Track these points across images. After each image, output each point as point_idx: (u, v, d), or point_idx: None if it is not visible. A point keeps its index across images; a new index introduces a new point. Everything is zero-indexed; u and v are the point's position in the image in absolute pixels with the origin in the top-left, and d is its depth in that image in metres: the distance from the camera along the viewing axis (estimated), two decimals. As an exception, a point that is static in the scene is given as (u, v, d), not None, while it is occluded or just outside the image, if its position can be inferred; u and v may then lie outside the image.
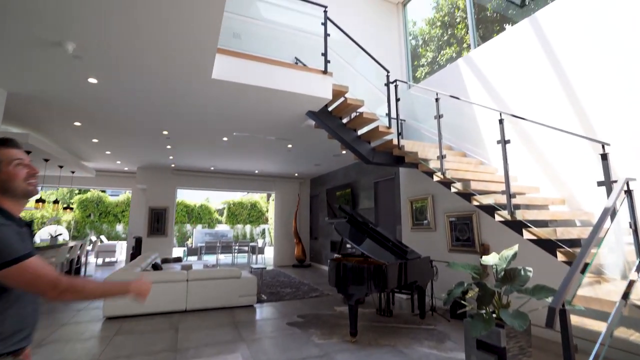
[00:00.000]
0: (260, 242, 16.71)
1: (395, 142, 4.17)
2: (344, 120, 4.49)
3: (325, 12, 4.10)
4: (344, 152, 6.88)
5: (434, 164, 3.60)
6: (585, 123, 3.22)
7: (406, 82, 4.64)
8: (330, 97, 3.95)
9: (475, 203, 3.08)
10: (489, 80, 4.31)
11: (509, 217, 2.76)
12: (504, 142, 2.83)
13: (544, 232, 2.56)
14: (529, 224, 2.67)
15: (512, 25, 4.25)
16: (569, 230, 2.62)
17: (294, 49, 4.60)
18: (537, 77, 3.75)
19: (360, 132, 4.51)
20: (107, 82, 3.52)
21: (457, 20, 6.40)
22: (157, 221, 8.85)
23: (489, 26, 5.61)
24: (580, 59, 3.36)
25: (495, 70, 4.28)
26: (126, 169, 9.18)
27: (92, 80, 3.48)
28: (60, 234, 8.98)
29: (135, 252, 8.82)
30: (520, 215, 2.71)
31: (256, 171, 9.54)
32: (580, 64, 3.35)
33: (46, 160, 6.33)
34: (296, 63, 4.32)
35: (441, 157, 3.38)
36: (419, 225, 5.26)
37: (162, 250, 8.62)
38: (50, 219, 14.00)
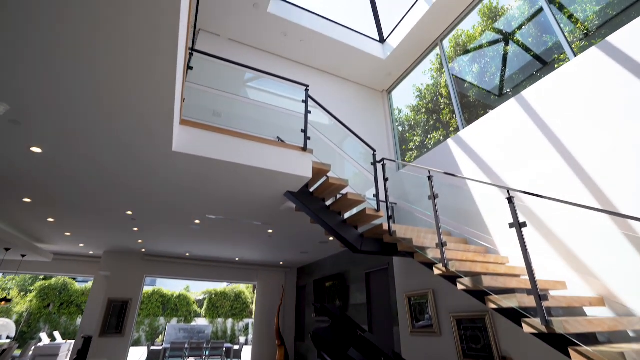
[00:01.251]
0: (242, 340, 14.57)
1: (385, 227, 3.60)
2: (327, 203, 3.99)
3: (306, 90, 3.97)
4: (331, 238, 6.24)
5: (432, 254, 2.97)
6: (602, 198, 2.74)
7: (394, 161, 4.28)
8: (309, 175, 3.52)
9: (493, 306, 2.35)
10: (482, 157, 3.99)
11: (543, 329, 2.02)
12: (518, 225, 2.26)
13: (602, 356, 1.80)
14: (575, 340, 1.92)
15: (491, 110, 4.17)
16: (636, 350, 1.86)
17: (277, 130, 4.37)
18: (534, 151, 3.42)
19: (345, 215, 3.98)
20: (53, 151, 3.08)
21: (442, 106, 6.52)
22: (116, 316, 7.55)
23: (472, 110, 5.64)
24: (576, 127, 3.07)
25: (487, 147, 4.00)
26: (91, 252, 8.26)
27: (36, 150, 3.04)
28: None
29: (79, 357, 7.28)
30: (560, 325, 1.97)
31: (236, 259, 8.66)
32: (577, 132, 3.04)
33: (-11, 243, 5.55)
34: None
35: (441, 245, 2.77)
36: (420, 330, 4.31)
37: (115, 355, 7.14)
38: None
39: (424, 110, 6.94)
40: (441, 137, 6.25)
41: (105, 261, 7.90)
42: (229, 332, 16.44)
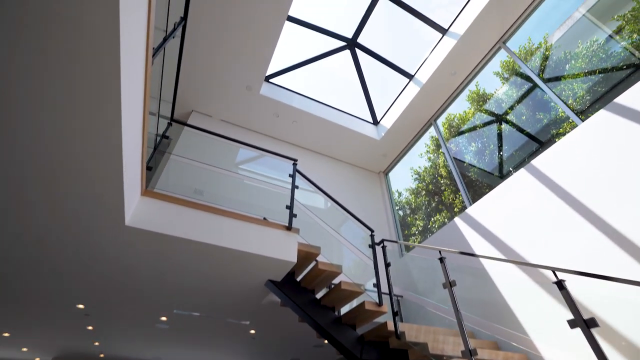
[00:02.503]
0: None
1: (390, 326, 2.81)
2: (318, 295, 3.27)
3: (294, 164, 3.63)
4: (326, 341, 5.18)
5: (459, 370, 2.16)
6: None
7: (396, 242, 3.69)
8: (294, 260, 2.89)
9: None
10: (497, 233, 3.41)
11: None
12: (584, 323, 1.56)
13: None
14: None
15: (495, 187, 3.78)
16: None
17: (265, 212, 3.89)
18: (557, 221, 2.85)
19: (341, 311, 3.22)
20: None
21: (443, 187, 6.19)
22: None
23: (476, 189, 5.28)
24: (601, 189, 2.57)
25: (501, 222, 3.46)
26: (37, 359, 6.88)
27: (-41, 229, 2.50)
28: None
29: None
30: None
31: (215, 365, 7.22)
32: (602, 195, 2.52)
33: None
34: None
35: (469, 354, 1.98)
36: None
37: None
38: None
39: (424, 192, 6.61)
40: (445, 220, 5.75)
41: (54, 370, 6.53)
42: None
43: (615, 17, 3.96)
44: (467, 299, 3.25)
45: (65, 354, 6.42)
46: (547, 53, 4.59)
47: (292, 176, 3.52)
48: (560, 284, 1.70)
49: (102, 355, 6.43)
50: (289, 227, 3.05)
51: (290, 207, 3.21)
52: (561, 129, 4.07)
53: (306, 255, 3.07)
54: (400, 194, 6.86)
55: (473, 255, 2.59)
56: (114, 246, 2.69)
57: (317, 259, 3.12)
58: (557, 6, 4.36)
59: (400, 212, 6.64)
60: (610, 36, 3.96)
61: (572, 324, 1.59)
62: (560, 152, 3.20)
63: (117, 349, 6.00)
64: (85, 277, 3.28)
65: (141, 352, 6.18)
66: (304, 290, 3.21)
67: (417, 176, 6.70)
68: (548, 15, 4.51)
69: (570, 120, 3.78)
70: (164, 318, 4.30)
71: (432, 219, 6.30)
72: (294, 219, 3.17)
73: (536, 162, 3.39)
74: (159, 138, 3.05)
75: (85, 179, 2.03)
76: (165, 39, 2.26)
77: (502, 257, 3.19)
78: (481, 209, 3.84)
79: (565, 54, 4.38)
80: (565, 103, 3.62)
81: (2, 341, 5.54)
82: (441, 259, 2.48)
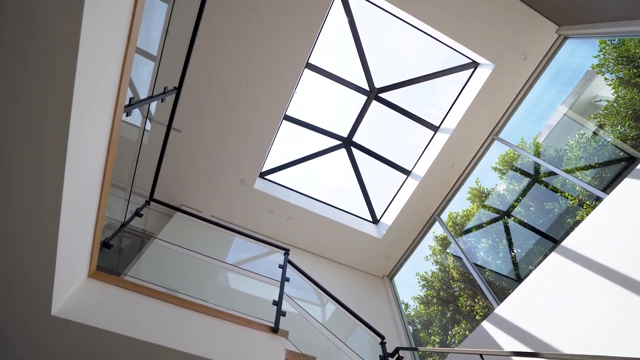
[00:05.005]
0: None
1: None
2: None
3: (285, 254, 3.13)
4: None
5: None
6: None
7: (414, 349, 2.86)
8: (281, 373, 2.11)
9: None
10: (541, 336, 2.61)
11: None
12: None
13: None
14: None
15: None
16: None
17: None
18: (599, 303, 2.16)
19: None
20: None
21: (457, 292, 5.42)
22: None
23: (498, 292, 4.55)
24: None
25: (540, 316, 2.71)
26: None
27: None
28: None
29: None
30: None
31: None
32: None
33: None
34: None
35: None
36: None
37: None
38: None
39: (435, 301, 5.78)
40: (467, 332, 4.80)
41: None
42: None
43: (592, 116, 4.15)
44: None
45: None
46: (539, 150, 4.66)
47: (283, 267, 2.97)
48: None
49: None
50: (275, 329, 2.34)
51: (278, 303, 2.56)
52: (578, 216, 3.74)
53: (297, 369, 2.27)
54: (407, 306, 5.98)
55: (536, 355, 1.85)
56: (36, 345, 1.96)
57: (313, 374, 2.30)
58: (539, 100, 4.64)
59: (410, 328, 5.63)
60: (595, 132, 4.06)
61: None
62: (590, 228, 2.79)
63: None
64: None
65: None
66: None
67: (425, 282, 5.97)
68: (533, 109, 4.77)
69: (588, 204, 3.49)
70: None
71: (450, 332, 5.30)
72: (282, 318, 2.49)
73: (568, 242, 2.93)
74: (129, 215, 2.65)
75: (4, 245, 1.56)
76: (151, 97, 2.13)
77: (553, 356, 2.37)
78: (512, 308, 3.14)
79: (557, 150, 4.43)
80: (578, 182, 3.38)
81: None
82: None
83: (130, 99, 1.86)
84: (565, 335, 2.54)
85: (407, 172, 5.61)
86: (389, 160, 5.67)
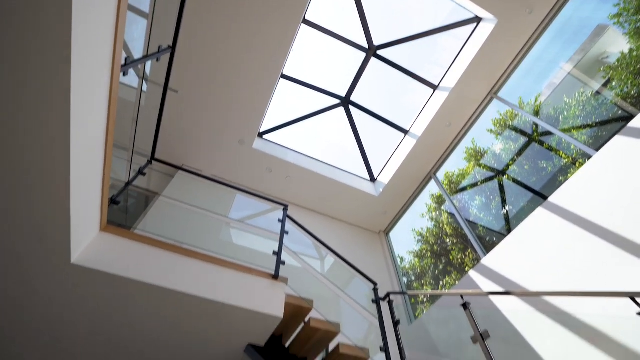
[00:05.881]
0: None
1: (405, 406, 2.13)
2: (312, 365, 2.60)
3: (284, 209, 3.28)
4: None
5: None
6: None
7: (404, 293, 3.12)
8: (281, 314, 2.34)
9: None
10: (519, 280, 2.86)
11: None
12: None
13: None
14: None
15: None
16: None
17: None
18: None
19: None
20: None
21: (450, 247, 5.70)
22: None
23: (488, 248, 4.81)
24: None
25: (523, 266, 2.93)
26: None
27: None
28: None
29: None
30: None
31: None
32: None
33: None
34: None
35: None
36: None
37: None
38: None
39: (429, 254, 6.08)
40: (456, 281, 5.14)
41: None
42: None
43: (602, 68, 4.07)
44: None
45: None
46: (537, 109, 4.64)
47: (282, 221, 3.14)
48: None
49: None
50: (275, 276, 2.56)
51: (278, 253, 2.76)
52: (570, 174, 3.85)
53: (296, 312, 2.51)
54: (402, 259, 6.31)
55: (506, 294, 2.07)
56: (61, 292, 2.18)
57: (310, 315, 2.55)
58: (541, 57, 4.53)
59: (405, 279, 6.00)
60: (598, 92, 4.02)
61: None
62: (579, 184, 2.91)
63: None
64: (25, 331, 2.63)
65: None
66: (293, 359, 2.55)
67: (420, 238, 6.25)
68: (533, 68, 4.68)
69: (581, 162, 3.58)
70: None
71: (442, 282, 5.67)
72: (283, 270, 2.69)
73: (554, 198, 3.07)
74: (133, 174, 2.76)
75: (25, 199, 1.68)
76: (146, 56, 2.14)
77: (534, 309, 2.62)
78: (498, 258, 3.37)
79: (556, 109, 4.41)
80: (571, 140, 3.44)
81: None
82: (464, 305, 1.96)
83: (126, 58, 1.88)
84: (542, 281, 2.77)
85: (404, 131, 5.64)
86: (386, 120, 5.66)
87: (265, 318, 2.33)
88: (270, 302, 2.37)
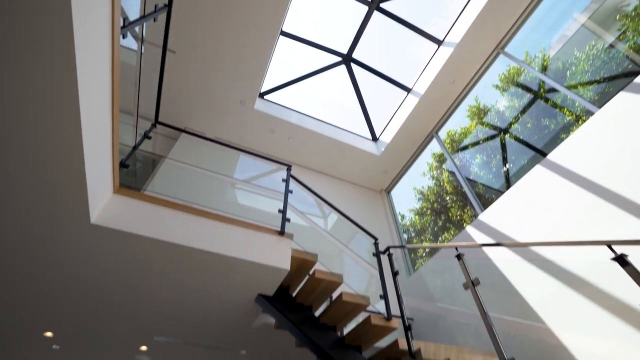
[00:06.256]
0: None
1: (402, 344, 2.37)
2: (317, 313, 2.85)
3: (288, 169, 3.37)
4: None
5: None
6: None
7: (402, 246, 3.30)
8: (287, 267, 2.53)
9: None
10: (513, 235, 3.02)
11: None
12: None
13: None
14: None
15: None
16: None
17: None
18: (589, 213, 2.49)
19: (343, 330, 2.78)
20: None
21: (449, 205, 5.86)
22: None
23: (486, 204, 4.96)
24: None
25: (518, 223, 3.08)
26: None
27: None
28: None
29: None
30: None
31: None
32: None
33: None
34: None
35: None
36: None
37: None
38: None
39: (429, 212, 6.26)
40: (454, 237, 5.36)
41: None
42: None
43: (617, 17, 3.88)
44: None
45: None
46: (545, 64, 4.50)
47: (286, 181, 3.24)
48: (622, 259, 1.35)
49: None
50: (281, 232, 2.71)
51: (283, 211, 2.89)
52: (572, 132, 3.85)
53: (301, 264, 2.70)
54: (403, 217, 6.51)
55: (497, 245, 2.23)
56: (80, 251, 2.35)
57: (315, 268, 2.74)
58: (552, 8, 4.32)
59: (405, 236, 6.25)
60: (611, 45, 3.86)
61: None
62: (578, 142, 2.94)
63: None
64: (49, 293, 2.88)
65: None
66: (300, 307, 2.80)
67: (420, 196, 6.39)
68: (542, 20, 4.47)
69: (584, 119, 3.57)
70: (144, 348, 3.80)
71: (440, 237, 5.90)
72: (288, 227, 2.84)
73: (552, 156, 3.12)
74: (139, 138, 2.82)
75: (43, 165, 1.76)
76: (143, 16, 2.10)
77: (522, 259, 2.80)
78: (495, 214, 3.51)
79: (564, 63, 4.28)
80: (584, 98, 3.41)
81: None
82: (459, 256, 2.12)
83: (124, 19, 1.86)
84: (534, 236, 2.92)
85: (407, 89, 5.54)
86: (389, 77, 5.55)
87: (273, 270, 2.52)
88: (277, 256, 2.55)
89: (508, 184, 4.65)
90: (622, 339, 1.98)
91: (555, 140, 4.14)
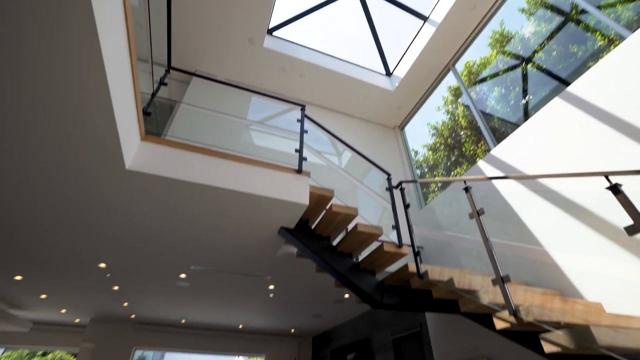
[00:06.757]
0: None
1: (412, 267, 2.66)
2: (334, 242, 3.14)
3: (302, 109, 3.41)
4: (347, 295, 5.17)
5: (488, 297, 1.98)
6: None
7: (414, 181, 3.46)
8: (306, 202, 2.75)
9: None
10: (525, 169, 3.12)
11: None
12: None
13: None
14: None
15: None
16: None
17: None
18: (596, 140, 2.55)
19: (358, 257, 3.09)
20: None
21: (463, 139, 5.84)
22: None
23: (501, 139, 4.93)
24: None
25: (530, 158, 3.14)
26: (77, 320, 7.27)
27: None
28: None
29: None
30: None
31: (240, 326, 7.45)
32: None
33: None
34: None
35: (501, 281, 1.78)
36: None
37: None
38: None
39: (442, 147, 6.27)
40: (466, 171, 5.47)
41: (89, 330, 6.89)
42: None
43: None
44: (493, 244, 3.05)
45: (101, 316, 6.75)
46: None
47: (301, 121, 3.32)
48: (615, 188, 1.46)
49: (132, 316, 6.73)
50: (299, 170, 2.89)
51: (299, 150, 3.03)
52: (600, 59, 3.63)
53: (319, 199, 2.92)
54: (417, 153, 6.56)
55: (505, 177, 2.35)
56: (119, 195, 2.61)
57: (331, 202, 2.96)
58: None
59: (418, 171, 6.37)
60: None
61: (632, 230, 1.36)
62: (603, 70, 2.82)
63: (145, 309, 6.24)
64: (99, 234, 3.27)
65: (167, 312, 6.41)
66: (319, 237, 3.09)
67: (434, 131, 6.35)
68: None
69: (616, 43, 3.34)
70: (183, 275, 4.35)
71: (453, 172, 6.01)
72: (304, 166, 3.00)
73: (574, 87, 3.03)
74: (156, 85, 2.88)
75: (78, 121, 1.90)
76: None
77: (529, 190, 2.93)
78: (507, 149, 3.54)
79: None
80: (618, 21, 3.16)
81: (42, 303, 5.83)
82: (466, 189, 2.26)
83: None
84: (547, 168, 2.99)
85: (423, 18, 5.18)
86: (404, 5, 5.15)
87: (292, 206, 2.75)
88: (296, 192, 2.76)
89: (526, 117, 4.55)
90: (608, 255, 2.18)
91: (582, 68, 3.93)
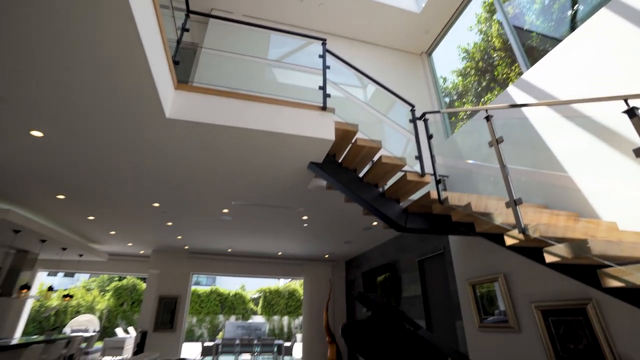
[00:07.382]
0: (299, 337, 14.34)
1: (433, 194, 2.85)
2: (360, 174, 3.34)
3: (323, 44, 3.37)
4: (374, 223, 5.55)
5: (501, 218, 2.16)
6: None
7: (437, 111, 3.48)
8: (332, 137, 2.91)
9: (615, 284, 1.50)
10: (562, 97, 3.01)
11: None
12: None
13: None
14: None
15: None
16: None
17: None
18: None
19: (384, 187, 3.30)
20: (54, 134, 2.84)
21: (496, 62, 5.46)
22: (169, 312, 7.65)
23: (537, 58, 4.57)
24: None
25: (572, 82, 2.99)
26: (141, 252, 8.50)
27: (37, 134, 2.83)
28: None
29: (138, 349, 7.49)
30: None
31: (279, 253, 8.32)
32: None
33: (42, 241, 5.79)
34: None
35: (514, 204, 1.93)
36: (492, 326, 3.45)
37: (168, 349, 7.23)
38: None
39: (473, 72, 5.91)
40: (495, 98, 5.23)
41: (153, 260, 8.06)
42: (285, 329, 16.39)
43: None
44: (518, 176, 3.10)
45: (160, 247, 7.83)
46: None
47: (323, 56, 3.30)
48: (631, 112, 1.47)
49: (186, 247, 7.71)
50: (323, 107, 2.99)
51: (323, 87, 3.10)
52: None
53: (344, 134, 3.06)
54: (445, 80, 6.25)
55: (524, 105, 2.34)
56: (165, 142, 2.90)
57: (356, 137, 3.09)
58: None
59: (447, 99, 6.15)
60: None
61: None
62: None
63: (196, 242, 7.11)
64: (152, 177, 3.69)
65: (215, 243, 7.27)
66: (346, 170, 3.30)
67: (465, 54, 5.94)
68: None
69: None
70: (225, 210, 4.85)
71: (483, 99, 5.77)
72: (328, 99, 3.09)
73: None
74: (179, 32, 2.94)
75: (118, 74, 2.08)
76: None
77: (559, 116, 2.87)
78: (542, 73, 3.35)
79: None
80: None
81: (112, 238, 6.87)
82: (487, 118, 2.29)
83: None
84: (581, 94, 2.86)
85: None
86: None
87: (319, 142, 2.92)
88: (322, 129, 2.90)
89: (571, 30, 4.14)
90: (626, 178, 2.22)
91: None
